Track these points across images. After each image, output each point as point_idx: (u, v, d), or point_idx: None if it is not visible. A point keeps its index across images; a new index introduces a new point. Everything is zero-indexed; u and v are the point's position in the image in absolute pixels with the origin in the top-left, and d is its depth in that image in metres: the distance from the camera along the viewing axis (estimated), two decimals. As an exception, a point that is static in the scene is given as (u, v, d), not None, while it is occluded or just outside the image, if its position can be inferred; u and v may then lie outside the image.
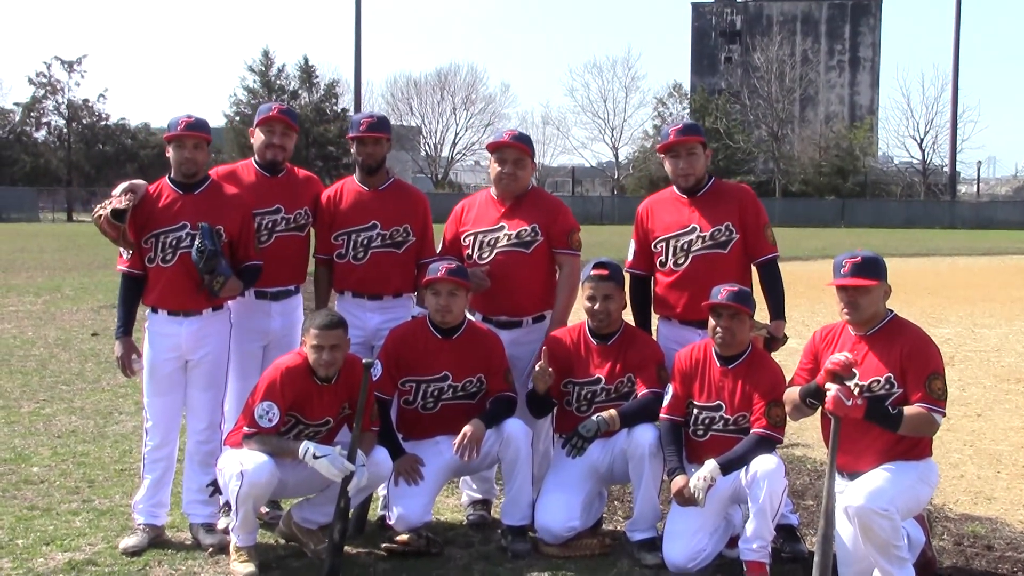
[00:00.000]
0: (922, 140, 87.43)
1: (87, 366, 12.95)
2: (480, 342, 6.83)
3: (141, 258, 6.67)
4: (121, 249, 6.68)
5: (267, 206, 7.01)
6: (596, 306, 6.71)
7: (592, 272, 6.74)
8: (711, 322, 6.35)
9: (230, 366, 6.90)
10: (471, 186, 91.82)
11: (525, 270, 7.00)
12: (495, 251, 7.02)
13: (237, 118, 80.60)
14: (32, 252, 34.61)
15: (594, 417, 6.47)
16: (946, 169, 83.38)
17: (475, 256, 7.07)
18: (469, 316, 7.00)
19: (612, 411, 6.50)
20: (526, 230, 7.00)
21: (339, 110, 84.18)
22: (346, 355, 6.37)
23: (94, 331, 15.87)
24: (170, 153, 6.71)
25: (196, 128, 6.68)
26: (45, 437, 9.31)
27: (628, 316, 7.00)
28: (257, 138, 7.09)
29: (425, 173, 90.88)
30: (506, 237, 7.02)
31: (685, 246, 6.78)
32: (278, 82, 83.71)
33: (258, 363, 7.08)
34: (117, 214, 6.42)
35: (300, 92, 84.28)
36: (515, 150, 7.05)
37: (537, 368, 6.65)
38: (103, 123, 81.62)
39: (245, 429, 6.24)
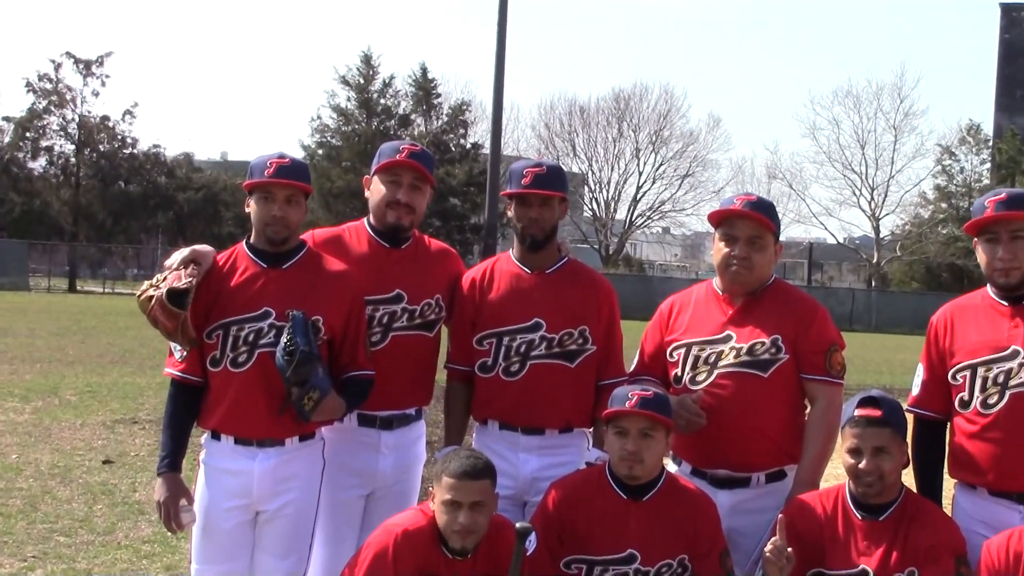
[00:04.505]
0: None
1: (96, 508, 13.09)
2: (685, 508, 6.82)
3: (201, 358, 6.77)
4: (173, 345, 6.77)
5: (384, 292, 7.14)
6: (863, 463, 6.65)
7: (858, 413, 6.67)
8: (1047, 499, 6.29)
9: (318, 523, 6.99)
10: (656, 264, 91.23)
11: (759, 403, 7.01)
12: (716, 372, 7.05)
13: (320, 151, 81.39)
14: (19, 335, 35.29)
15: (859, 630, 6.43)
16: None
17: (686, 379, 7.10)
18: (670, 467, 7.02)
19: (886, 623, 6.44)
20: (763, 343, 7.02)
21: (468, 145, 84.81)
22: (492, 517, 6.44)
23: (106, 457, 16.12)
24: (251, 208, 6.82)
25: (291, 174, 6.77)
26: (35, 615, 9.47)
27: (909, 478, 6.95)
28: (375, 191, 7.20)
29: (590, 243, 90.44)
30: (733, 352, 7.04)
31: (1002, 378, 6.70)
32: (382, 101, 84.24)
33: (357, 519, 7.20)
34: (175, 296, 6.44)
35: (413, 117, 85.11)
36: (751, 223, 7.08)
37: (770, 549, 6.63)
38: (128, 151, 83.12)
39: (340, 620, 6.33)
